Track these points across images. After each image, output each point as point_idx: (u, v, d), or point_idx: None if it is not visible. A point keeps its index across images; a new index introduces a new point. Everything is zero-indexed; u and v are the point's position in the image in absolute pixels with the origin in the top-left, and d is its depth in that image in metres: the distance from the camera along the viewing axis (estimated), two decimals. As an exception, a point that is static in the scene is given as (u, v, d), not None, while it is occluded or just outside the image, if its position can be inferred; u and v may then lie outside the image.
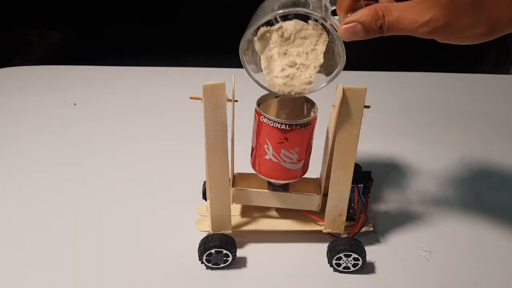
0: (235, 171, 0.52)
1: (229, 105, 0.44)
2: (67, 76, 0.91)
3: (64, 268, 0.51)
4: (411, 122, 0.79)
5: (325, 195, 0.50)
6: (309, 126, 0.46)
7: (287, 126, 0.45)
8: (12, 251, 0.53)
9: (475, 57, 1.62)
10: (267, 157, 0.47)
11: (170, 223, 0.56)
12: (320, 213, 0.52)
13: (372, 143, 0.72)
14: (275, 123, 0.45)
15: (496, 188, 0.64)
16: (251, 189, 0.51)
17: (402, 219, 0.58)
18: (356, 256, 0.49)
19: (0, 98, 0.83)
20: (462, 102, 0.85)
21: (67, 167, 0.66)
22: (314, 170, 0.53)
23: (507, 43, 1.50)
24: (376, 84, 0.88)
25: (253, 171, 0.51)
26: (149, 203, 0.60)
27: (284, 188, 0.51)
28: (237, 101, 0.45)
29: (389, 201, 0.60)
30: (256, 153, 0.49)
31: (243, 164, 0.51)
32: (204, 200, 0.55)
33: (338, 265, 0.50)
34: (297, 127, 0.45)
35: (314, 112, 0.47)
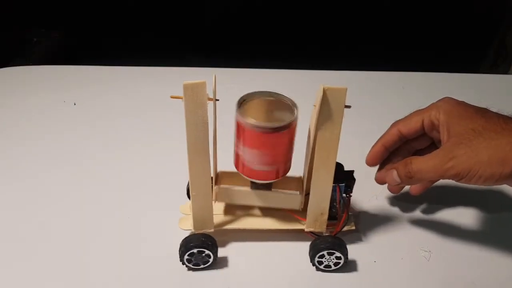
0: (219, 169, 0.52)
1: (212, 104, 0.45)
2: (67, 76, 0.91)
3: (54, 269, 0.51)
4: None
5: (308, 194, 0.50)
6: (289, 128, 0.46)
7: (265, 129, 0.45)
8: (6, 251, 0.53)
9: (475, 57, 1.62)
10: (248, 158, 0.47)
11: (161, 222, 0.56)
12: (303, 212, 0.52)
13: (372, 142, 0.72)
14: (253, 126, 0.45)
15: (495, 187, 0.64)
16: (233, 187, 0.51)
17: (402, 219, 0.58)
18: (337, 254, 0.49)
19: (0, 98, 0.83)
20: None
21: (66, 167, 0.66)
22: (298, 169, 0.53)
23: (505, 43, 1.50)
24: (376, 84, 0.88)
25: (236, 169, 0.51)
26: (148, 203, 0.60)
27: (267, 186, 0.51)
28: (218, 100, 0.45)
29: (392, 201, 0.61)
30: (237, 153, 0.49)
31: (227, 163, 0.51)
32: (188, 199, 0.56)
33: (320, 263, 0.50)
34: (277, 130, 0.45)
35: (294, 114, 0.46)
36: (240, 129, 0.46)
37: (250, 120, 0.45)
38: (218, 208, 0.54)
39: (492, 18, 1.59)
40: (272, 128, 0.45)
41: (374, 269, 0.51)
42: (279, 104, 0.48)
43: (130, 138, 0.73)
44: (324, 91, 0.44)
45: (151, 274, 0.50)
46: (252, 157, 0.47)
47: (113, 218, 0.57)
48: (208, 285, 0.49)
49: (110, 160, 0.68)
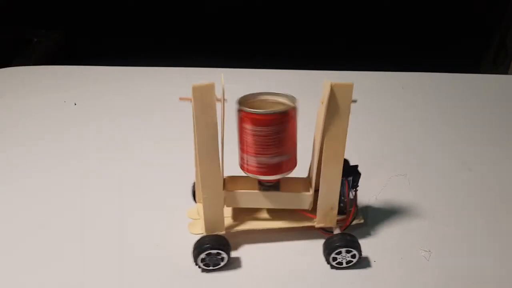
0: (225, 175, 0.52)
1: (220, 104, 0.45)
2: (67, 76, 0.91)
3: (53, 269, 0.51)
4: (411, 122, 0.79)
5: (316, 190, 0.50)
6: (286, 114, 0.46)
7: (266, 116, 0.45)
8: (5, 250, 0.53)
9: (475, 57, 1.63)
10: (252, 154, 0.48)
11: (163, 223, 0.56)
12: (312, 211, 0.52)
13: (373, 142, 0.72)
14: (254, 114, 0.45)
15: (495, 188, 0.64)
16: (241, 191, 0.51)
17: (402, 219, 0.58)
18: (352, 251, 0.49)
19: (0, 98, 0.83)
20: (461, 102, 0.85)
21: (66, 167, 0.66)
22: (303, 169, 0.53)
23: (505, 43, 1.50)
24: (376, 84, 0.88)
25: (243, 174, 0.50)
26: (148, 203, 0.60)
27: (275, 187, 0.51)
28: (226, 100, 0.45)
29: (392, 201, 0.61)
30: (242, 152, 0.49)
31: (234, 165, 0.51)
32: (194, 201, 0.56)
33: (334, 259, 0.50)
34: (276, 115, 0.45)
35: (293, 103, 0.47)
36: (240, 121, 0.46)
37: (249, 108, 0.45)
38: (226, 210, 0.54)
39: (492, 18, 1.59)
40: (269, 113, 0.45)
41: (374, 268, 0.51)
42: (278, 103, 0.48)
43: (130, 138, 0.73)
44: (332, 87, 0.44)
45: (156, 276, 0.50)
46: (257, 148, 0.47)
47: (113, 218, 0.57)
48: (222, 286, 0.49)
49: (110, 159, 0.68)
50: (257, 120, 0.46)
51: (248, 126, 0.46)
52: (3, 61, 1.12)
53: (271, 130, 0.46)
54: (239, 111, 0.46)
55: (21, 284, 0.49)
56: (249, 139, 0.47)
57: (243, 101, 0.47)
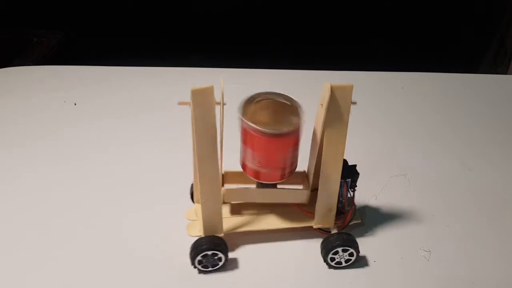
0: (223, 169, 0.52)
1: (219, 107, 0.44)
2: (67, 76, 0.91)
3: (51, 271, 0.51)
4: (410, 122, 0.79)
5: (314, 190, 0.50)
6: (294, 133, 0.46)
7: (270, 135, 0.45)
8: (5, 251, 0.53)
9: (474, 57, 1.63)
10: (253, 160, 0.48)
11: (163, 223, 0.56)
12: (309, 206, 0.52)
13: (373, 142, 0.72)
14: (257, 131, 0.45)
15: (495, 188, 0.64)
16: (240, 186, 0.52)
17: (402, 219, 0.58)
18: (349, 249, 0.49)
19: (0, 98, 0.83)
20: (461, 102, 0.85)
21: (66, 167, 0.66)
22: (302, 164, 0.53)
23: (505, 43, 1.50)
24: (376, 84, 0.88)
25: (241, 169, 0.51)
26: (144, 203, 0.60)
27: (273, 184, 0.51)
28: (225, 104, 0.45)
29: (392, 201, 0.61)
30: (243, 155, 0.49)
31: (234, 164, 0.51)
32: (192, 202, 0.56)
33: (332, 259, 0.50)
34: (282, 136, 0.45)
35: (299, 117, 0.46)
36: (244, 132, 0.46)
37: (254, 125, 0.44)
38: (225, 211, 0.54)
39: (492, 18, 1.59)
40: (276, 134, 0.45)
41: (374, 268, 0.51)
42: (285, 105, 0.48)
43: (130, 138, 0.73)
44: (332, 90, 0.44)
45: (156, 277, 0.50)
46: (258, 160, 0.47)
47: (112, 218, 0.58)
48: (219, 287, 0.49)
49: (110, 159, 0.68)
50: (262, 138, 0.45)
51: (254, 141, 0.46)
52: (3, 61, 1.12)
53: (275, 147, 0.46)
54: (243, 121, 0.46)
55: (21, 284, 0.49)
56: (252, 152, 0.47)
57: (246, 108, 0.46)
